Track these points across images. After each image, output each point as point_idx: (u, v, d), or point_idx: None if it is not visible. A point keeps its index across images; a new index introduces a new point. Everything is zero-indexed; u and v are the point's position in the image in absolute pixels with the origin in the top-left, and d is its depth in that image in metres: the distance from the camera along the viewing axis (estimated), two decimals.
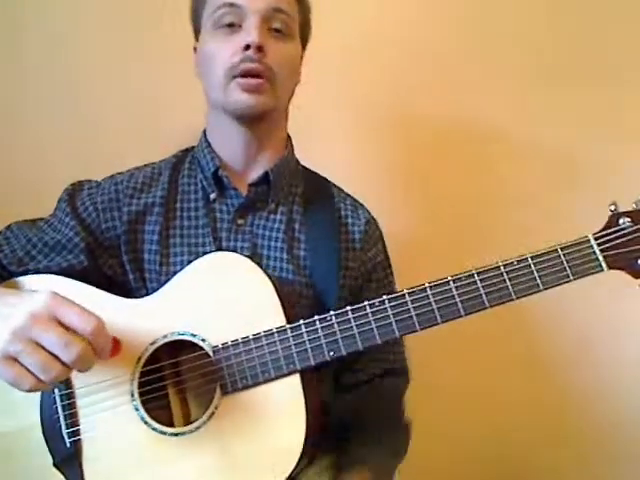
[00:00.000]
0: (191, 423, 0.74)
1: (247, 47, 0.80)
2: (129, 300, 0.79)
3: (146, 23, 1.21)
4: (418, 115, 1.27)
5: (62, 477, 0.74)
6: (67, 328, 0.62)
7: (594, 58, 1.24)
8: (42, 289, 0.66)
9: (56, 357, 0.62)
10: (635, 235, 0.69)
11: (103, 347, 0.65)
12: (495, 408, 1.28)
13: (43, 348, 0.61)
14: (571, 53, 1.24)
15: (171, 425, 0.76)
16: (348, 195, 0.97)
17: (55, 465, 0.74)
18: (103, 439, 0.74)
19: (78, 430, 0.74)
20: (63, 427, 0.74)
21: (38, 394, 0.75)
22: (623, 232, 0.69)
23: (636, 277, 0.70)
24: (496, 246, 1.21)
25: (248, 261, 0.77)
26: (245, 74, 0.81)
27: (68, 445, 0.74)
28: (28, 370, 0.62)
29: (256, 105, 0.82)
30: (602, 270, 0.69)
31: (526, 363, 1.28)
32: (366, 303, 0.73)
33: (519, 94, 1.26)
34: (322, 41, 1.14)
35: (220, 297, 0.76)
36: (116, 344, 0.71)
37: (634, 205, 0.72)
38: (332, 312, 0.73)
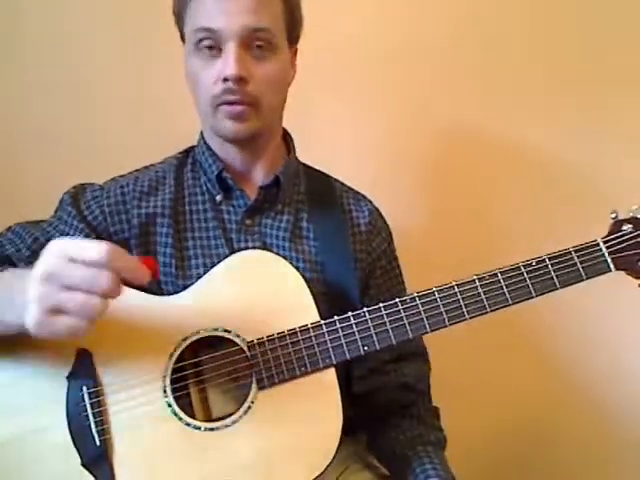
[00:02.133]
0: (215, 420, 0.75)
1: (227, 79, 0.78)
2: (159, 297, 0.79)
3: (147, 22, 1.20)
4: (430, 115, 1.31)
5: (91, 477, 0.72)
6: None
7: (597, 65, 1.30)
8: None
9: (92, 292, 0.59)
10: (637, 240, 0.77)
11: (131, 269, 0.62)
12: (502, 404, 1.34)
13: (77, 289, 0.59)
14: (575, 59, 1.30)
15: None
16: (349, 188, 0.99)
17: (84, 465, 0.72)
18: (135, 436, 0.73)
19: (108, 428, 0.73)
20: (92, 425, 0.73)
21: (64, 393, 0.73)
22: (626, 237, 0.78)
23: (637, 277, 0.78)
24: (502, 245, 1.31)
25: (279, 258, 0.79)
26: (228, 103, 0.81)
27: (98, 444, 0.72)
28: (74, 315, 0.60)
29: (242, 131, 0.83)
30: (610, 271, 0.77)
31: (534, 360, 1.35)
32: (397, 300, 0.76)
33: (529, 100, 1.31)
34: (335, 39, 1.18)
35: (253, 294, 0.78)
36: (148, 262, 0.65)
37: (631, 213, 0.80)
38: (365, 309, 0.76)
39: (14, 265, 0.82)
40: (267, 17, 0.80)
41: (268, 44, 0.81)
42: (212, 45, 0.79)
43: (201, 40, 0.80)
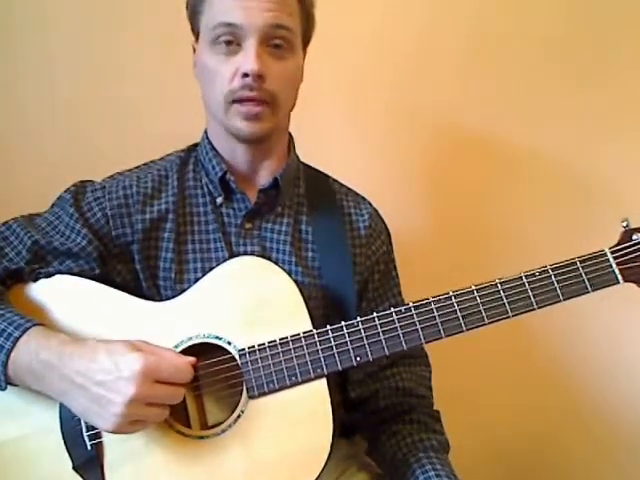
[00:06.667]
0: (210, 427, 0.75)
1: (246, 74, 0.78)
2: (153, 303, 0.80)
3: (147, 21, 1.21)
4: (426, 119, 1.29)
5: None
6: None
7: (602, 66, 1.27)
8: (68, 291, 0.76)
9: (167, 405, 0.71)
10: None
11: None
12: (503, 414, 1.32)
13: (155, 404, 0.69)
14: (582, 61, 1.28)
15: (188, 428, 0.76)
16: (349, 189, 0.98)
17: (75, 469, 0.73)
18: (126, 442, 0.73)
19: (99, 433, 0.73)
20: (84, 430, 0.73)
21: None
22: (637, 247, 0.73)
23: None
24: (497, 247, 1.29)
25: (273, 265, 0.78)
26: (245, 100, 0.80)
27: (89, 448, 0.73)
28: (148, 424, 0.71)
29: (257, 132, 0.82)
30: (618, 283, 0.73)
31: (536, 370, 1.33)
32: (392, 310, 0.74)
33: (530, 102, 1.29)
34: (333, 40, 1.16)
35: (245, 301, 0.77)
36: None
37: None
38: (359, 318, 0.75)
39: (17, 275, 0.81)
40: (288, 16, 0.80)
41: (287, 43, 0.81)
42: (231, 40, 0.79)
43: (220, 36, 0.79)
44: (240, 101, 0.80)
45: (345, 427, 0.90)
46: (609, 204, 1.23)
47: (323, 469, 0.71)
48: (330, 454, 0.72)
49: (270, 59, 0.80)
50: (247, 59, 0.78)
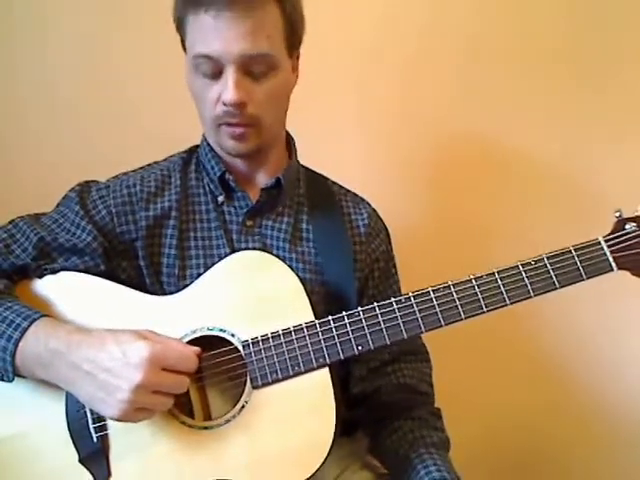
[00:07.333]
0: (213, 418, 0.76)
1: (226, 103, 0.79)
2: (157, 297, 0.81)
3: (146, 22, 1.22)
4: (426, 118, 1.31)
5: (88, 473, 0.74)
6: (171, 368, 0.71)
7: (602, 66, 1.29)
8: (75, 288, 0.78)
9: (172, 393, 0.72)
10: None
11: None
12: (500, 410, 1.34)
13: (161, 392, 0.70)
14: (582, 61, 1.29)
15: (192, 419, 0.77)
16: (348, 191, 1.00)
17: (81, 461, 0.74)
18: (131, 434, 0.74)
19: (105, 425, 0.74)
20: (90, 422, 0.74)
21: (63, 390, 0.74)
22: (630, 235, 0.75)
23: None
24: (496, 246, 1.30)
25: (276, 259, 0.79)
26: (229, 124, 0.82)
27: (95, 440, 0.74)
28: (153, 412, 0.72)
29: (244, 149, 0.85)
30: (612, 270, 0.75)
31: (533, 365, 1.34)
32: (392, 300, 0.76)
33: (530, 102, 1.30)
34: (333, 40, 1.17)
35: (248, 295, 0.78)
36: None
37: (636, 212, 0.78)
38: (360, 308, 0.76)
39: (23, 271, 0.82)
40: (265, 40, 0.78)
41: (267, 65, 0.80)
42: (211, 71, 0.80)
43: (200, 65, 0.80)
44: (226, 124, 0.82)
45: (346, 424, 0.91)
46: (608, 204, 1.24)
47: (325, 459, 0.72)
48: (332, 445, 0.72)
49: (251, 83, 0.80)
50: (226, 89, 0.78)
